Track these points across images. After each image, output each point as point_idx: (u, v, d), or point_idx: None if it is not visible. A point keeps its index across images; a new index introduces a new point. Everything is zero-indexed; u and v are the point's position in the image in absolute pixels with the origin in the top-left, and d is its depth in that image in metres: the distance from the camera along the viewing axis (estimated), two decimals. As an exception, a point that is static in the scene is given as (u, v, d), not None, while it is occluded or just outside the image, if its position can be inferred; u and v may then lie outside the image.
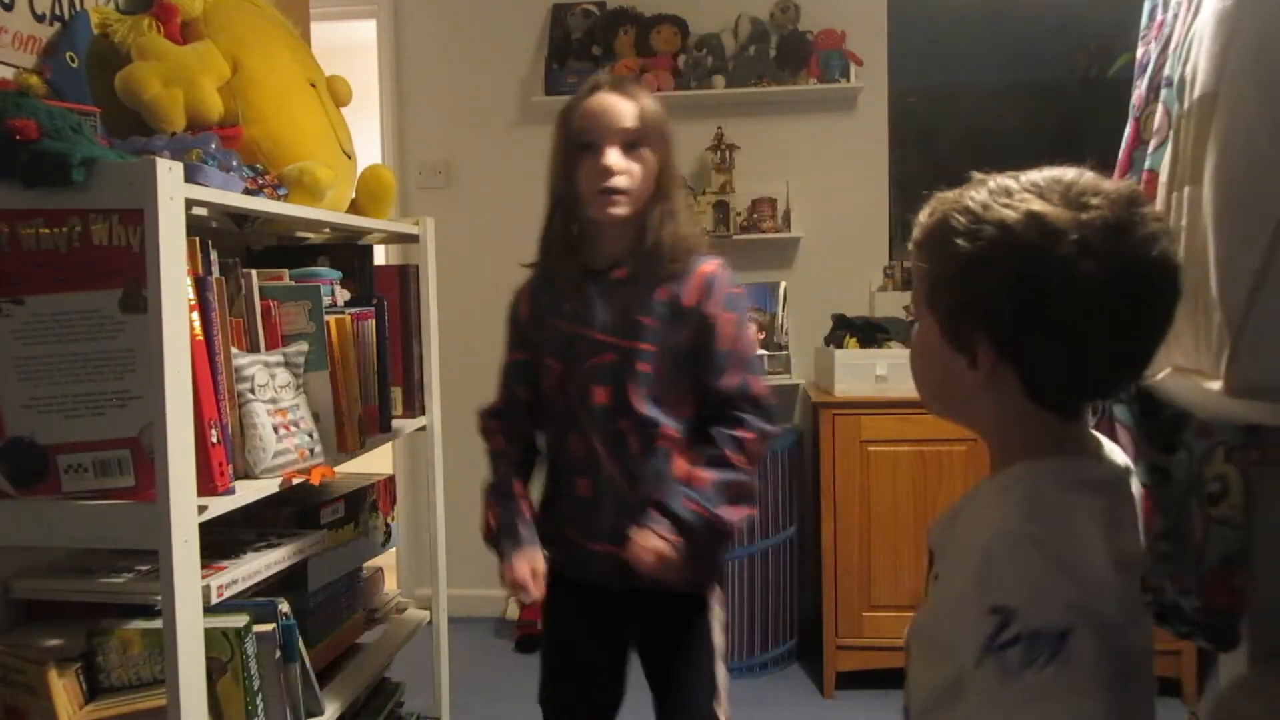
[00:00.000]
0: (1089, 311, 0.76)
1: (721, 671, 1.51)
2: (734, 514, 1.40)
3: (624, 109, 1.42)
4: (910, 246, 0.90)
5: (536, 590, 1.44)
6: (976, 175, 0.85)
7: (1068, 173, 0.82)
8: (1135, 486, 0.87)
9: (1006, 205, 0.79)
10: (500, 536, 1.48)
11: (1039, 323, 0.77)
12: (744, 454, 1.41)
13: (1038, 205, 0.78)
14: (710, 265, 1.47)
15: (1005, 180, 0.82)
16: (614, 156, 1.40)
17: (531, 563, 1.44)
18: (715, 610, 1.52)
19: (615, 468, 1.43)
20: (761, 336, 3.09)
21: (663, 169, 1.45)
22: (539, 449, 1.58)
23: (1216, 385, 0.97)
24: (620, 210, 1.42)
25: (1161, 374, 1.13)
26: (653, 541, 1.34)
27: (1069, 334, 0.77)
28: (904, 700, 0.94)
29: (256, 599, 1.39)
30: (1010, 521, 0.78)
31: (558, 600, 1.56)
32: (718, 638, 1.51)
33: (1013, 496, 0.80)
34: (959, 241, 0.79)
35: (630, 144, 1.42)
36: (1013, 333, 0.78)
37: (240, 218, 1.63)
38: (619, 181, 1.40)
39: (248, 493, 1.30)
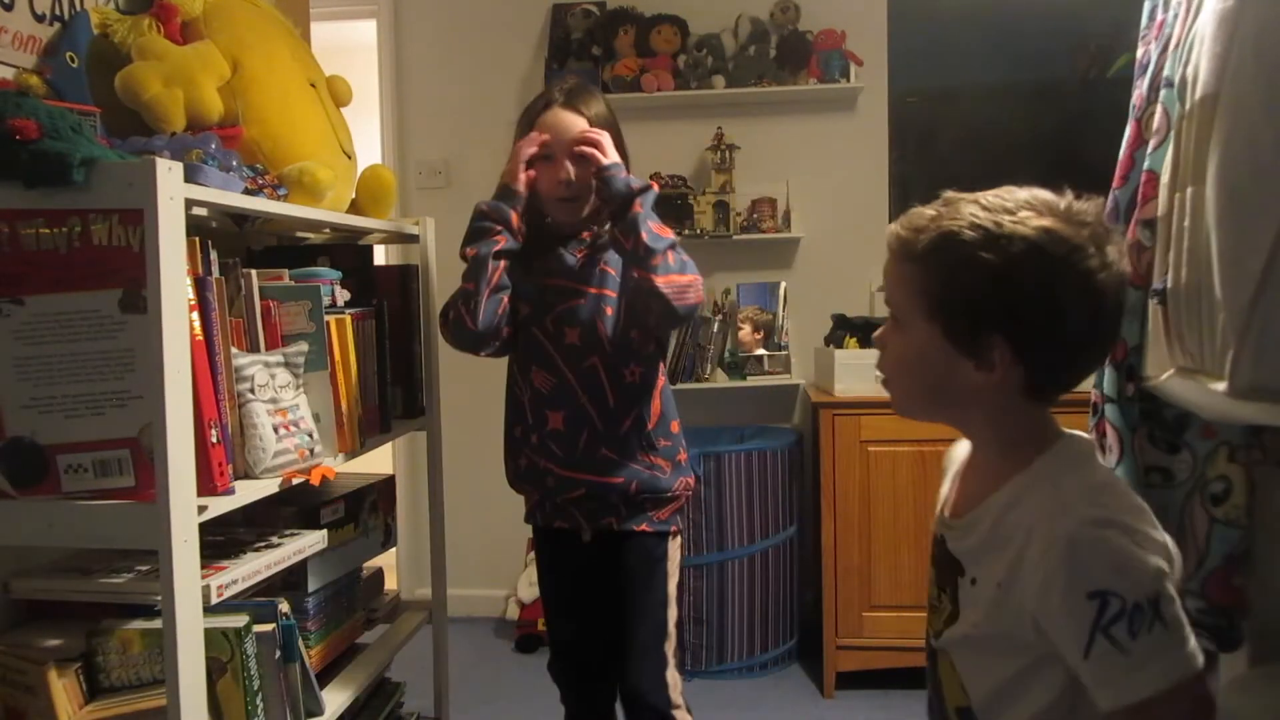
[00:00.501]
0: (1099, 312, 0.88)
1: (672, 615, 1.68)
2: (652, 226, 1.55)
3: (576, 125, 1.62)
4: (901, 260, 0.94)
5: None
6: (948, 194, 0.93)
7: (1041, 191, 0.90)
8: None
9: (1018, 222, 0.86)
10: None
11: (1059, 325, 0.87)
12: (673, 253, 1.56)
13: (1049, 222, 0.86)
14: None
15: (994, 199, 0.90)
16: (568, 169, 1.61)
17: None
18: (672, 557, 1.69)
19: (588, 399, 1.63)
20: (759, 336, 3.09)
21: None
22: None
23: (1220, 386, 0.97)
24: (576, 212, 1.66)
25: (1165, 375, 1.13)
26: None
27: (1081, 334, 0.89)
28: (948, 703, 0.99)
29: (256, 599, 1.39)
30: (1079, 512, 0.84)
31: (541, 552, 1.80)
32: (671, 588, 1.69)
33: (1066, 488, 0.87)
34: (985, 255, 0.86)
35: (580, 154, 1.61)
36: (1033, 335, 0.87)
37: (240, 218, 1.63)
38: (574, 190, 1.63)
39: (248, 493, 1.29)
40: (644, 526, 1.66)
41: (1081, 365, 0.93)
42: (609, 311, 1.63)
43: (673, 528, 1.70)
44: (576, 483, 1.65)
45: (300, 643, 1.42)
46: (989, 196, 0.90)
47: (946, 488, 1.07)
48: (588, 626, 1.75)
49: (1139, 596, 0.80)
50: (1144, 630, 0.79)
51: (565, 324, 1.64)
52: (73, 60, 1.48)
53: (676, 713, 1.65)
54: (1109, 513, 0.84)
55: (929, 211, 0.92)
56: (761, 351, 3.07)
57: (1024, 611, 0.87)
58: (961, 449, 1.09)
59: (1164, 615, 0.80)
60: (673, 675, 1.66)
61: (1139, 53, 1.34)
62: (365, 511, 1.79)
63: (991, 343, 0.88)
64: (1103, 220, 0.89)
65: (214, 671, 1.27)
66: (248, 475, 1.34)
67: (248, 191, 1.38)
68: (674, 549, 1.70)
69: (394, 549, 2.00)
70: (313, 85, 1.73)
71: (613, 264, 1.65)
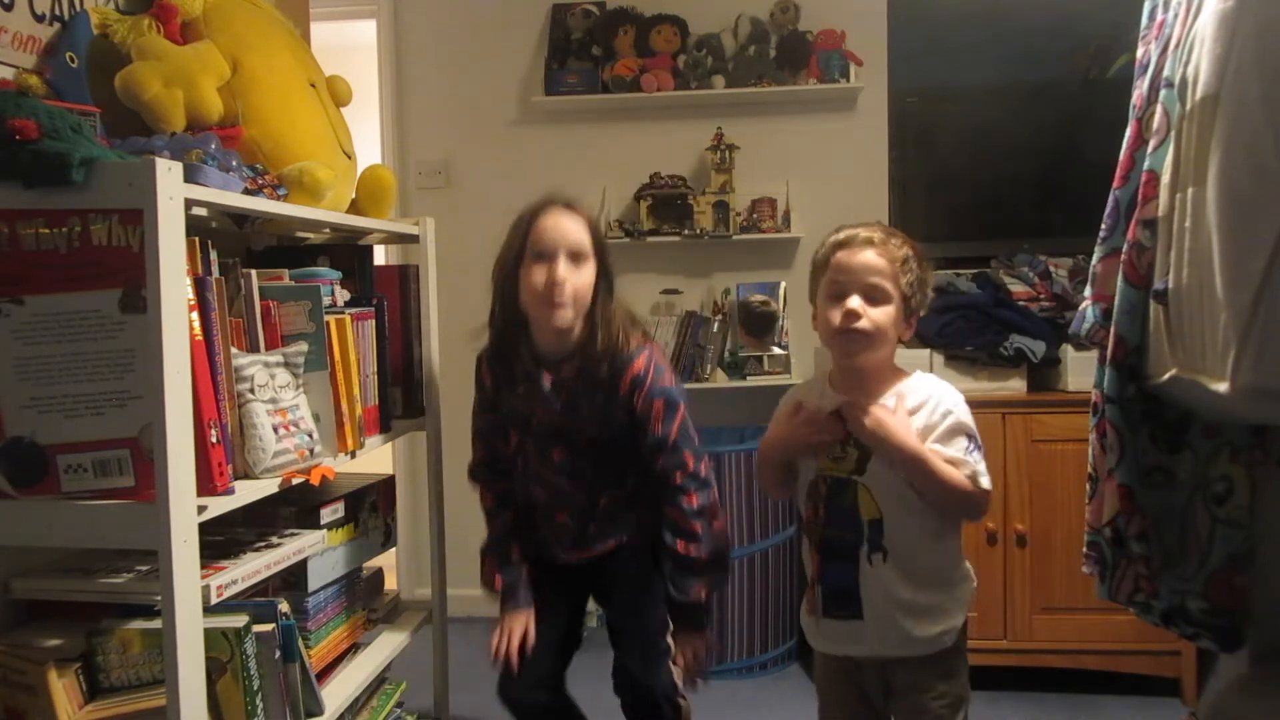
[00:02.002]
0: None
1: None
2: (707, 583, 1.71)
3: (574, 227, 1.63)
4: (881, 259, 1.45)
5: (514, 661, 1.71)
6: (877, 222, 1.54)
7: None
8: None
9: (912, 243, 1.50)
10: (505, 598, 1.77)
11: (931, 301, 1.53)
12: (693, 537, 1.66)
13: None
14: (638, 364, 1.67)
15: (894, 230, 1.50)
16: (564, 268, 1.60)
17: (525, 627, 1.73)
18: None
19: (584, 499, 1.73)
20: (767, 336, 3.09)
21: (601, 277, 1.67)
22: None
23: (1222, 386, 0.97)
24: (566, 316, 1.62)
25: (1166, 375, 1.13)
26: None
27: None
28: (863, 517, 1.44)
29: (256, 599, 1.39)
30: (952, 393, 1.48)
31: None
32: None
33: (940, 385, 1.49)
34: (915, 258, 1.47)
35: (576, 256, 1.62)
36: (923, 304, 1.50)
37: (240, 218, 1.63)
38: (567, 291, 1.60)
39: (247, 493, 1.30)
40: (628, 537, 1.75)
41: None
42: (588, 446, 1.69)
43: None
44: (584, 559, 1.77)
45: (300, 643, 1.42)
46: (889, 229, 1.50)
47: (823, 403, 1.52)
48: (555, 633, 1.78)
49: (977, 436, 1.45)
50: (978, 447, 1.43)
51: (551, 450, 1.70)
52: (73, 60, 1.47)
53: (681, 700, 1.73)
54: (960, 398, 1.48)
55: (882, 234, 1.48)
56: (761, 352, 3.07)
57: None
58: (809, 395, 1.56)
59: (979, 439, 1.45)
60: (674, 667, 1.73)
61: (1139, 53, 1.34)
62: (365, 511, 1.80)
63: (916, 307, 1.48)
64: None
65: (214, 671, 1.27)
66: (247, 475, 1.34)
67: (248, 191, 1.38)
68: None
69: (394, 549, 2.00)
70: (313, 85, 1.73)
71: (591, 402, 1.66)
